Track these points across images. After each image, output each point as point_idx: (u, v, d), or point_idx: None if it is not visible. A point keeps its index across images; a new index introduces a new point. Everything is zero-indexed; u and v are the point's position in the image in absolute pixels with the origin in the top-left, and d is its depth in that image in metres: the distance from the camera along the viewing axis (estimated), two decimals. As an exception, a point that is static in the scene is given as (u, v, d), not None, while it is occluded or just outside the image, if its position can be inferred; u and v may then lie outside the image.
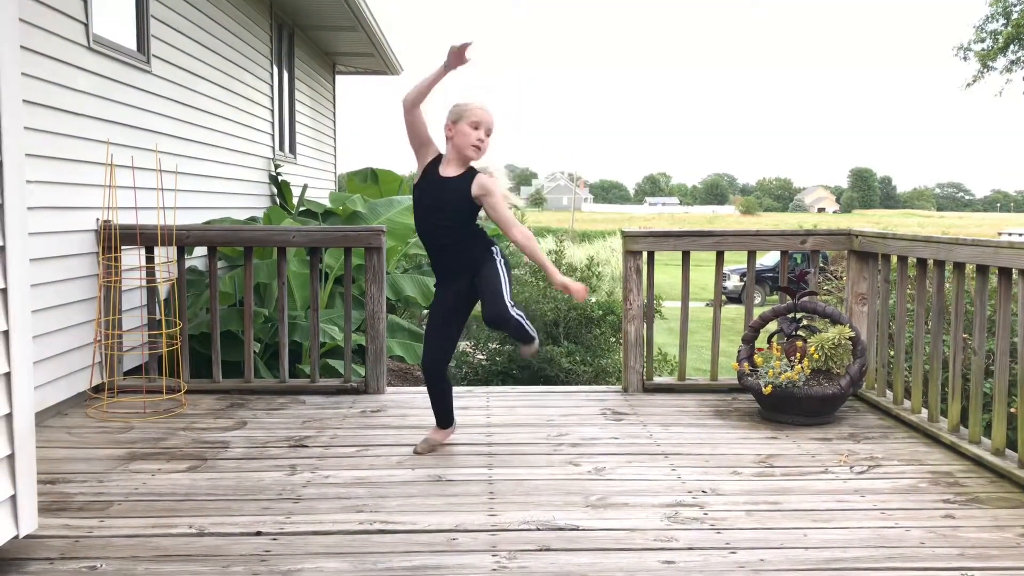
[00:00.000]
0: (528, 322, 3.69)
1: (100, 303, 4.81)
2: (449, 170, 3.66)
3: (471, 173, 3.64)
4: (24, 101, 3.11)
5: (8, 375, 2.65)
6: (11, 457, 2.65)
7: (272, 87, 9.20)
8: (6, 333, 2.65)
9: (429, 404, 4.77)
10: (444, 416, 3.98)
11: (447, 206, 3.64)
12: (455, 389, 5.44)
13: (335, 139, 13.20)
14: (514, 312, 3.60)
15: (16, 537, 2.69)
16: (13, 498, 2.66)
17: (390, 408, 4.69)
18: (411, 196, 7.98)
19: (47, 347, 4.35)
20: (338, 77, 13.49)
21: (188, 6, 6.53)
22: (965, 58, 19.81)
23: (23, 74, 3.28)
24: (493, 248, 3.72)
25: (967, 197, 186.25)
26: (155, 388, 4.88)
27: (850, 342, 4.43)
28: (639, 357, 5.08)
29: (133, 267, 5.08)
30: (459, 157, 3.65)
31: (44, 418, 4.28)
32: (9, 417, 2.65)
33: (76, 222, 4.72)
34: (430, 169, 3.69)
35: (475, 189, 3.59)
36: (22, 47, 3.90)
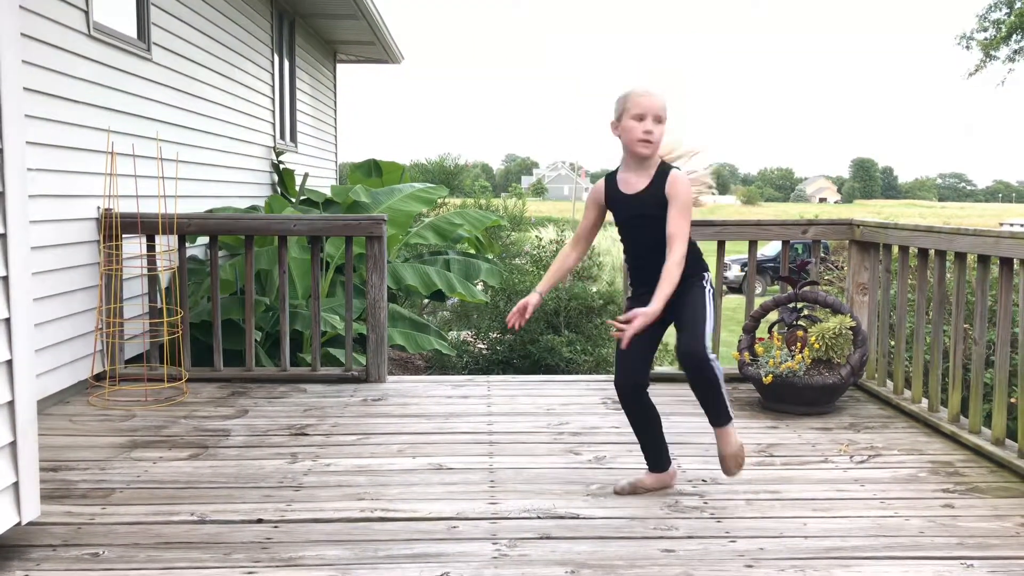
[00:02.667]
0: (725, 389, 3.13)
1: (101, 291, 4.81)
2: (632, 180, 3.13)
3: (662, 174, 3.09)
4: (24, 89, 3.11)
5: (10, 363, 2.65)
6: (13, 444, 2.66)
7: (273, 75, 9.17)
8: (8, 321, 2.65)
9: (430, 393, 4.80)
10: (655, 454, 3.28)
11: (645, 222, 3.12)
12: (456, 377, 5.47)
13: (336, 127, 13.18)
14: (712, 358, 3.08)
15: (19, 524, 2.69)
16: (15, 485, 2.67)
17: (391, 397, 4.70)
18: (412, 184, 8.01)
19: (48, 335, 4.36)
20: (339, 65, 13.46)
21: (188, -7, 6.50)
22: (968, 47, 19.74)
23: (23, 61, 3.27)
24: (705, 274, 3.20)
25: (969, 187, 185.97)
26: (156, 376, 4.89)
27: (851, 332, 4.43)
28: (640, 346, 5.07)
29: (134, 255, 5.08)
30: (633, 158, 3.11)
31: (46, 406, 4.28)
32: (11, 405, 2.66)
33: (77, 210, 4.72)
34: (610, 188, 3.20)
35: (667, 188, 3.06)
36: (22, 34, 3.89)
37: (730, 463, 3.15)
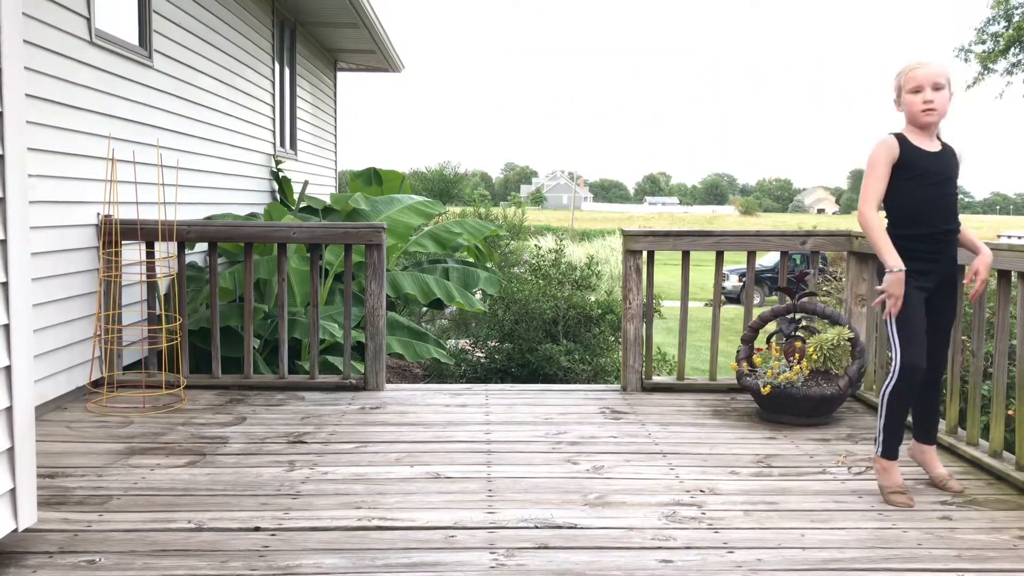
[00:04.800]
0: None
1: (100, 298, 4.81)
2: (928, 144, 3.23)
3: (948, 144, 3.27)
4: (26, 95, 3.10)
5: (8, 368, 2.65)
6: (11, 451, 2.66)
7: (273, 83, 9.20)
8: (7, 327, 2.65)
9: (428, 402, 4.80)
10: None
11: (951, 185, 3.22)
12: (454, 386, 5.47)
13: (336, 135, 13.20)
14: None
15: (15, 531, 2.69)
16: (12, 492, 2.67)
17: (389, 405, 4.70)
18: (411, 196, 8.02)
19: (47, 341, 4.35)
20: (339, 73, 13.49)
21: (191, 1, 6.52)
22: (966, 60, 19.80)
23: (25, 68, 3.27)
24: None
25: (966, 199, 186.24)
26: (154, 383, 4.88)
27: (849, 343, 4.44)
28: (638, 356, 5.08)
29: (133, 262, 5.08)
30: (920, 129, 3.23)
31: (43, 412, 4.28)
32: (9, 411, 2.65)
33: (77, 216, 4.72)
34: (906, 150, 3.21)
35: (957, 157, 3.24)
36: (25, 41, 3.90)
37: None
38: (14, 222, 2.66)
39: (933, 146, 3.22)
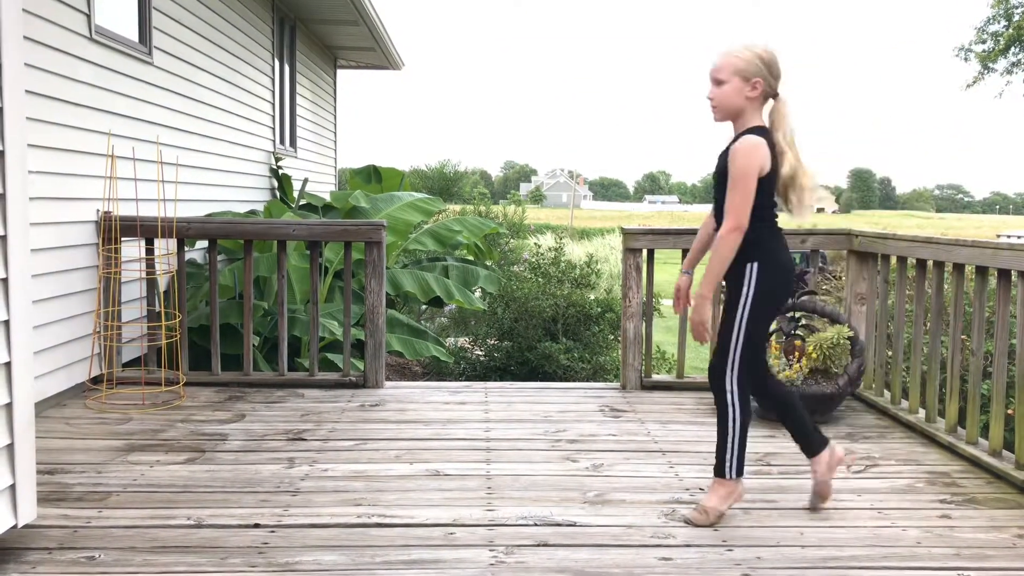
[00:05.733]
0: (742, 430, 2.96)
1: (100, 294, 4.81)
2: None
3: (734, 141, 2.93)
4: (26, 91, 3.10)
5: (8, 365, 2.65)
6: (10, 447, 2.65)
7: (273, 80, 9.19)
8: (7, 323, 2.65)
9: (427, 399, 4.80)
10: (804, 440, 3.20)
11: (715, 184, 3.05)
12: (453, 384, 5.46)
13: (335, 133, 13.20)
14: (732, 383, 2.94)
15: (15, 527, 2.69)
16: (12, 488, 2.67)
17: (389, 402, 4.70)
18: (411, 193, 8.02)
19: (46, 338, 4.35)
20: (339, 71, 13.48)
21: (190, -2, 6.52)
22: (966, 59, 19.79)
23: (25, 64, 3.27)
24: (751, 265, 2.92)
25: (966, 199, 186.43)
26: (154, 380, 4.88)
27: (848, 342, 4.44)
28: (638, 354, 5.08)
29: (133, 259, 5.08)
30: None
31: (43, 409, 4.28)
32: (9, 407, 2.65)
33: (76, 213, 4.72)
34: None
35: (729, 157, 2.89)
36: (25, 37, 3.89)
37: (694, 516, 3.01)
38: (14, 218, 2.66)
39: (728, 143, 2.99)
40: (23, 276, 2.72)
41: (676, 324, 5.31)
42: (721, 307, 3.08)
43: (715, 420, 4.45)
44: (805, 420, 3.18)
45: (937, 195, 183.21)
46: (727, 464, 3.00)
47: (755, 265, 2.92)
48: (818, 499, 3.17)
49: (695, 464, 3.67)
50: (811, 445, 3.18)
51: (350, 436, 4.03)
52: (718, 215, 3.00)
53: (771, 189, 2.93)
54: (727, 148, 2.94)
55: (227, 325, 5.76)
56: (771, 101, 2.97)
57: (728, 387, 2.97)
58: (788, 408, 3.18)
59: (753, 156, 2.84)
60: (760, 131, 2.90)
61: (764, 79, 2.90)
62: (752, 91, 2.90)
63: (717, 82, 2.91)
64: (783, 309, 4.70)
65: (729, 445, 3.00)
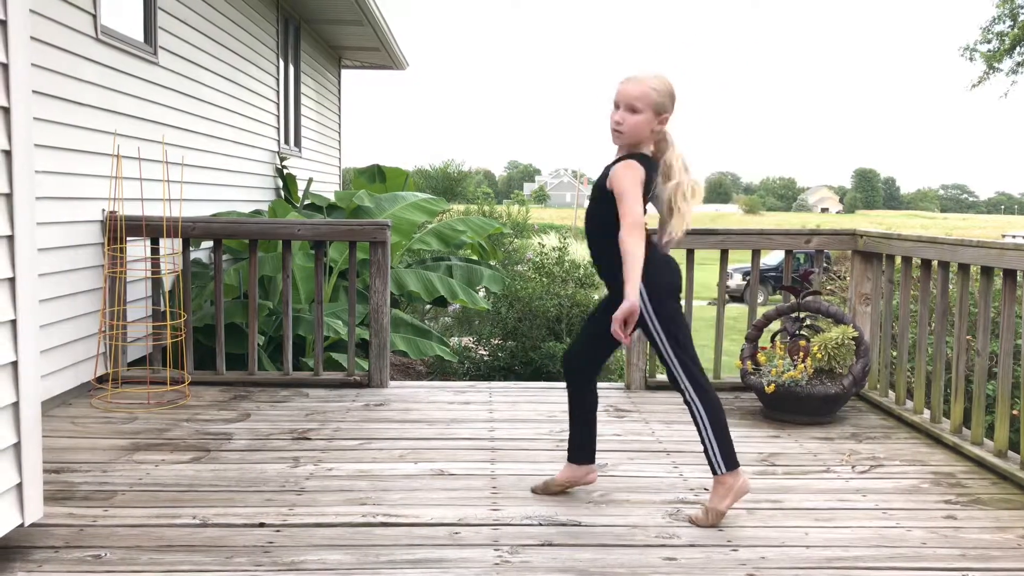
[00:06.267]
0: (710, 428, 2.97)
1: (105, 294, 4.82)
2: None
3: (613, 165, 3.00)
4: (33, 91, 3.11)
5: (15, 364, 2.66)
6: (17, 445, 2.66)
7: (278, 80, 9.20)
8: (13, 322, 2.66)
9: (432, 399, 4.80)
10: (574, 446, 3.30)
11: (589, 207, 3.11)
12: (458, 384, 5.46)
13: (340, 133, 13.21)
14: (686, 383, 2.99)
15: (21, 525, 2.70)
16: (19, 486, 2.68)
17: (393, 402, 4.70)
18: (416, 193, 8.03)
19: (52, 337, 4.36)
20: (343, 71, 13.49)
21: (195, -2, 6.53)
22: (971, 59, 19.76)
23: (32, 64, 3.28)
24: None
25: (971, 199, 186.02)
26: (159, 379, 4.89)
27: (853, 342, 4.44)
28: (642, 355, 5.08)
29: (138, 258, 5.09)
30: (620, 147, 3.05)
31: (49, 408, 4.29)
32: (16, 406, 2.66)
33: (82, 212, 4.73)
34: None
35: (608, 183, 2.95)
36: (32, 38, 3.91)
37: (701, 519, 3.01)
38: (21, 218, 2.67)
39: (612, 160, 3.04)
40: (30, 275, 2.73)
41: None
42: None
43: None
44: (591, 428, 3.27)
45: (942, 195, 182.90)
46: (714, 461, 3.01)
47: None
48: (543, 487, 3.27)
49: (699, 464, 3.66)
50: (580, 451, 3.27)
51: (355, 435, 4.03)
52: (597, 237, 3.07)
53: (644, 207, 3.00)
54: (607, 169, 3.00)
55: (232, 325, 5.77)
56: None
57: (684, 387, 3.01)
58: (585, 407, 3.27)
59: (634, 169, 2.91)
60: (644, 158, 2.98)
61: (670, 115, 2.98)
62: (659, 125, 2.98)
63: (632, 110, 2.94)
64: (786, 310, 4.71)
65: (708, 442, 3.01)
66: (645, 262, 2.87)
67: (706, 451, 3.03)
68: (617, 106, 2.96)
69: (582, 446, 3.28)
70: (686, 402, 3.03)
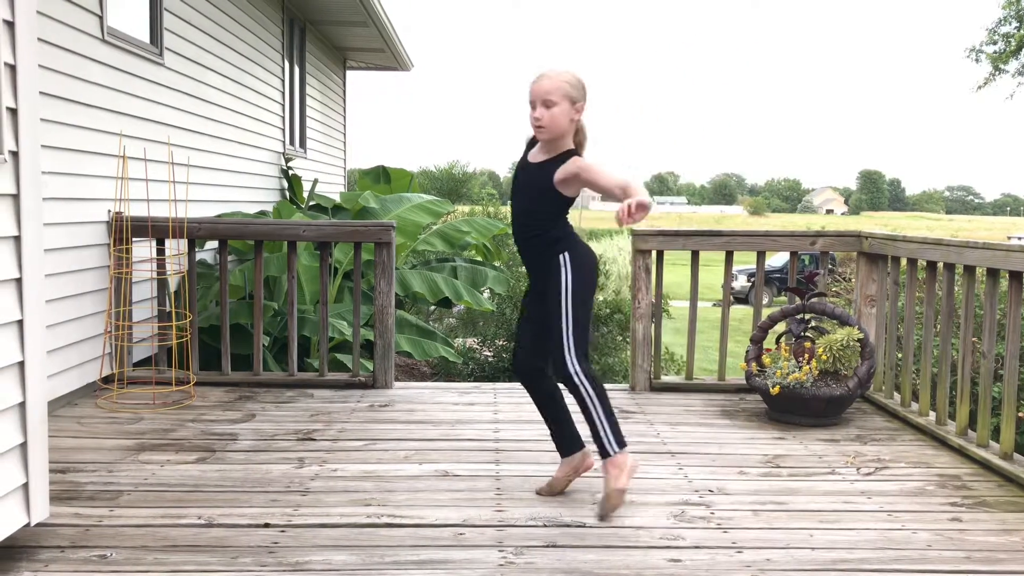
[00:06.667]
0: (604, 406, 3.07)
1: (111, 294, 4.83)
2: (539, 156, 3.16)
3: (564, 158, 3.08)
4: (40, 93, 3.12)
5: (22, 364, 2.66)
6: (24, 446, 2.67)
7: (283, 81, 9.22)
8: (20, 323, 2.66)
9: (436, 400, 4.81)
10: (559, 441, 3.33)
11: (527, 192, 3.19)
12: (462, 385, 5.47)
13: (345, 134, 13.23)
14: (575, 366, 3.05)
15: (28, 525, 2.71)
16: (25, 486, 2.68)
17: (398, 403, 4.71)
18: (420, 195, 8.04)
19: (58, 337, 4.37)
20: (348, 72, 13.51)
21: (202, 0, 6.54)
22: (977, 60, 19.69)
23: (39, 65, 3.29)
24: (561, 257, 3.11)
25: (976, 200, 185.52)
26: (164, 380, 4.90)
27: (858, 344, 4.43)
28: (647, 356, 5.08)
29: (144, 259, 5.10)
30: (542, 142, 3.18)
31: (54, 408, 4.30)
32: (22, 406, 2.67)
33: (88, 213, 4.74)
34: (521, 159, 3.26)
35: (559, 174, 3.04)
36: (38, 39, 3.92)
37: (607, 503, 3.05)
38: (28, 218, 2.68)
39: (540, 158, 3.14)
40: (36, 276, 2.74)
41: (685, 326, 5.31)
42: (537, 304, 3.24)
43: (725, 422, 4.46)
44: (567, 416, 3.32)
45: (947, 197, 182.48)
46: (605, 443, 3.08)
47: (567, 255, 3.10)
48: (548, 488, 3.29)
49: (704, 466, 3.67)
50: (568, 443, 3.32)
51: (360, 436, 4.04)
52: (519, 225, 3.21)
53: (573, 199, 3.16)
54: (551, 164, 3.09)
55: (237, 325, 5.78)
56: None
57: (573, 371, 3.07)
58: (553, 402, 3.32)
59: (582, 158, 3.09)
60: (575, 152, 3.12)
61: (584, 103, 3.11)
62: (576, 114, 3.10)
63: (547, 104, 3.03)
64: (791, 311, 4.70)
65: (599, 425, 3.08)
66: (575, 244, 3.12)
67: (596, 434, 3.09)
68: (533, 105, 3.07)
69: (566, 436, 3.33)
70: (573, 387, 3.08)
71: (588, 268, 3.15)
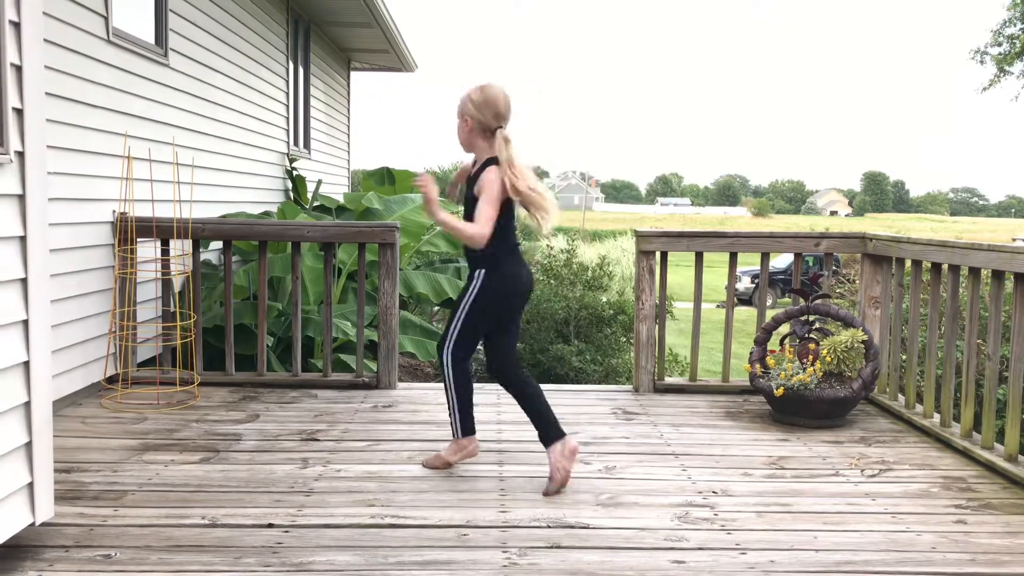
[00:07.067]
0: (459, 398, 3.48)
1: (115, 294, 4.84)
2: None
3: (484, 168, 3.33)
4: (45, 93, 3.13)
5: (27, 364, 2.67)
6: (29, 445, 2.68)
7: (288, 82, 9.23)
8: (25, 323, 2.67)
9: (440, 401, 4.81)
10: (544, 431, 3.47)
11: (465, 205, 3.46)
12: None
13: (349, 135, 13.24)
14: (447, 355, 3.43)
15: (33, 524, 2.71)
16: (30, 486, 2.69)
17: (401, 403, 4.71)
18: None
19: (63, 337, 4.38)
20: (353, 73, 13.53)
21: (207, 1, 6.56)
22: (982, 61, 19.65)
23: (44, 66, 3.30)
24: (478, 272, 3.40)
25: (981, 202, 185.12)
26: (169, 380, 4.91)
27: (863, 345, 4.42)
28: (650, 357, 5.08)
29: (148, 259, 5.11)
30: None
31: (59, 408, 4.31)
32: (28, 406, 2.68)
33: (93, 214, 4.76)
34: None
35: (478, 184, 3.31)
36: (44, 40, 3.93)
37: (431, 461, 3.58)
38: (33, 219, 2.69)
39: (473, 169, 3.44)
40: (42, 276, 2.75)
41: (689, 327, 5.31)
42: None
43: (729, 423, 4.47)
44: (544, 410, 3.47)
45: (951, 198, 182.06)
46: (453, 427, 3.54)
47: (482, 273, 3.39)
48: (552, 484, 3.34)
49: (708, 467, 3.67)
50: (553, 428, 3.44)
51: (363, 437, 4.04)
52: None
53: (512, 211, 3.40)
54: (475, 173, 3.38)
55: (241, 325, 5.79)
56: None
57: (445, 358, 3.45)
58: (529, 392, 3.51)
59: (496, 179, 3.28)
60: (494, 160, 3.33)
61: (473, 117, 3.35)
62: (466, 126, 3.38)
63: (458, 117, 3.41)
64: (795, 313, 4.70)
65: (450, 410, 3.52)
66: (499, 265, 3.37)
67: (450, 413, 3.53)
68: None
69: (551, 423, 3.45)
70: (441, 363, 3.46)
71: (501, 295, 3.39)
